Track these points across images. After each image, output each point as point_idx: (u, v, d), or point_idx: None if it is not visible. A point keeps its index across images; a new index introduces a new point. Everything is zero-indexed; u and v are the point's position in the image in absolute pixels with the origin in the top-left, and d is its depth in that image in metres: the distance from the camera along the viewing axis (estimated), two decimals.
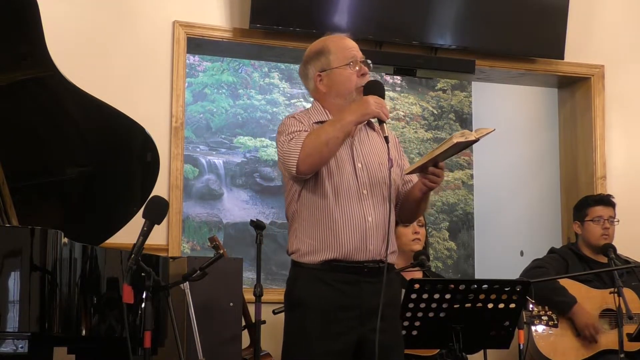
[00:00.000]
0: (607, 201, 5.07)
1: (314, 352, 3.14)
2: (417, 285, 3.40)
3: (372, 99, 3.17)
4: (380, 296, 3.14)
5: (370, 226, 3.17)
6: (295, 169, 3.13)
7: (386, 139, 3.16)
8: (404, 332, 3.46)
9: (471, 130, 3.33)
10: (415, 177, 3.35)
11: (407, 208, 3.37)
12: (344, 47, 3.30)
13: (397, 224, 4.43)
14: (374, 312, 3.14)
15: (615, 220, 5.01)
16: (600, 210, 5.01)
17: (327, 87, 3.30)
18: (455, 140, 3.08)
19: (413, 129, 7.43)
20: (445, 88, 7.55)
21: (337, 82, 3.29)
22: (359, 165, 3.24)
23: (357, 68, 3.28)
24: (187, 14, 5.02)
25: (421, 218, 4.55)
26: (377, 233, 3.21)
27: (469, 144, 3.22)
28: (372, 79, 3.30)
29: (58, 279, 3.17)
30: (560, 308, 4.70)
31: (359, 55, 3.31)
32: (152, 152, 3.96)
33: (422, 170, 3.21)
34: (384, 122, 3.18)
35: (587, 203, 5.10)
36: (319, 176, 3.19)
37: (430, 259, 4.71)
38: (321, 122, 3.27)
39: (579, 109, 5.93)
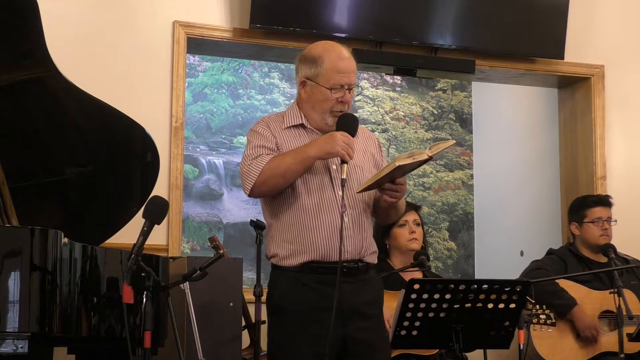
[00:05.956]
0: (606, 202, 5.04)
1: (297, 355, 3.15)
2: (417, 285, 3.39)
3: (341, 139, 3.13)
4: (359, 295, 3.19)
5: (346, 226, 3.18)
6: (248, 192, 3.22)
7: (342, 181, 3.13)
8: (403, 332, 3.46)
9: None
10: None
11: (378, 214, 3.40)
12: (337, 69, 3.23)
13: (394, 225, 4.45)
14: (356, 312, 3.15)
15: (613, 220, 4.99)
16: (599, 212, 4.97)
17: (307, 96, 3.30)
18: (397, 164, 3.05)
19: (413, 129, 7.43)
20: (445, 88, 7.56)
21: (316, 98, 3.26)
22: (334, 167, 3.24)
23: (339, 95, 3.23)
24: (187, 14, 5.02)
25: (417, 217, 4.54)
26: (354, 233, 3.22)
27: (421, 163, 3.15)
28: (348, 113, 3.24)
29: (58, 279, 3.16)
30: (560, 311, 4.68)
31: (349, 81, 3.24)
32: (152, 152, 3.96)
33: (374, 188, 3.20)
34: (346, 163, 3.14)
35: (585, 204, 5.05)
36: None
37: (430, 259, 4.70)
38: (294, 127, 3.29)
39: (579, 109, 5.93)
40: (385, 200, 3.22)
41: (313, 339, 3.12)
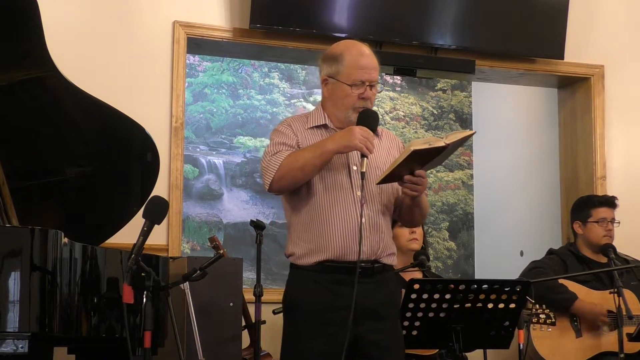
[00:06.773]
0: (611, 203, 5.02)
1: (308, 353, 3.15)
2: (417, 286, 3.40)
3: (359, 132, 3.12)
4: (373, 296, 3.18)
5: (364, 227, 3.17)
6: (268, 187, 3.21)
7: (362, 174, 3.12)
8: (404, 332, 3.46)
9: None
10: None
11: (403, 214, 3.38)
12: (357, 66, 3.24)
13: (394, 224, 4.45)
14: (369, 312, 3.15)
15: (616, 222, 4.98)
16: (604, 212, 4.96)
17: (329, 93, 3.31)
18: (412, 148, 3.03)
19: (413, 129, 7.43)
20: (445, 88, 7.55)
21: (337, 95, 3.27)
22: (354, 167, 3.24)
23: (360, 91, 3.24)
24: (187, 14, 5.02)
25: None
26: (370, 234, 3.21)
27: (438, 152, 3.11)
28: (369, 108, 3.25)
29: (58, 279, 3.16)
30: (562, 305, 4.66)
31: (370, 77, 3.25)
32: (152, 152, 3.97)
33: (393, 179, 3.19)
34: (366, 157, 3.14)
35: (591, 203, 5.04)
36: (313, 179, 3.21)
37: (430, 259, 4.70)
38: (317, 127, 3.29)
39: (579, 109, 5.93)
40: (406, 193, 3.19)
41: (324, 338, 3.13)
